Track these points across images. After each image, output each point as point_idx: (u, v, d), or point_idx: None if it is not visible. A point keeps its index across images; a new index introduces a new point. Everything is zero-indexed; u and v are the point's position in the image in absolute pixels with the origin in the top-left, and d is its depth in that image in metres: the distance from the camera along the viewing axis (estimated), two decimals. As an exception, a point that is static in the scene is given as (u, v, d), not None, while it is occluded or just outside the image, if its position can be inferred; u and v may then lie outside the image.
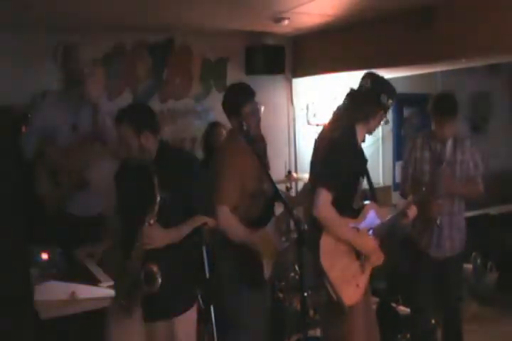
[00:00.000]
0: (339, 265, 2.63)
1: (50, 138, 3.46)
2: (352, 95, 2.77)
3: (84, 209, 3.54)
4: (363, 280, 2.75)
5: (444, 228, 3.42)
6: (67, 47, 3.63)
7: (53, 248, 3.15)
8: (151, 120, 2.57)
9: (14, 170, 2.41)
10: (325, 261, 2.58)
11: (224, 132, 4.12)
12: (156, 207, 2.38)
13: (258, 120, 2.93)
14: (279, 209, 3.02)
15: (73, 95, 3.54)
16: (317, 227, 2.61)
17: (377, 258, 2.78)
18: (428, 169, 3.43)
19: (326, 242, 2.60)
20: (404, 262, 3.71)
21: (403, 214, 2.86)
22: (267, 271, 2.90)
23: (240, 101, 2.86)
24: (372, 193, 2.89)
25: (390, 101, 2.75)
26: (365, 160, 2.83)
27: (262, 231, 2.88)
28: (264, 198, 2.92)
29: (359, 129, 2.75)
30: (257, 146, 2.88)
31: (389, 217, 2.87)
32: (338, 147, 2.67)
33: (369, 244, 2.74)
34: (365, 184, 2.88)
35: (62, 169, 3.44)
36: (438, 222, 3.31)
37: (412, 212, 2.87)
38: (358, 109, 2.72)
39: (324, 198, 2.55)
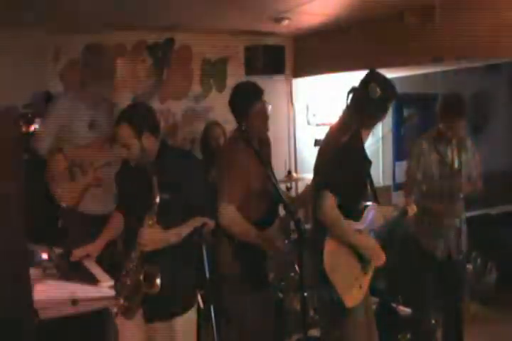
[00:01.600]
0: (342, 267, 2.63)
1: (66, 136, 3.42)
2: (359, 100, 2.72)
3: (98, 207, 3.51)
4: (366, 281, 2.75)
5: (449, 229, 3.42)
6: (91, 45, 3.54)
7: (53, 248, 3.14)
8: (152, 121, 2.55)
9: (17, 170, 2.41)
10: (328, 264, 2.57)
11: (221, 132, 4.13)
12: (156, 208, 2.38)
13: (266, 120, 2.87)
14: (282, 210, 3.01)
15: (93, 93, 3.45)
16: (321, 229, 2.61)
17: (379, 259, 2.77)
18: (438, 172, 3.41)
19: (330, 245, 2.60)
20: (405, 262, 3.71)
21: (404, 212, 2.88)
22: (270, 271, 2.90)
23: (247, 101, 2.81)
24: (374, 194, 2.88)
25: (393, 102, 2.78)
26: (369, 162, 2.82)
27: (267, 231, 2.86)
28: (268, 199, 2.90)
29: (364, 132, 2.75)
30: (261, 147, 2.87)
31: (390, 216, 2.88)
32: (345, 152, 2.66)
33: (371, 245, 2.74)
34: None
35: (79, 167, 3.40)
36: (457, 223, 3.38)
37: (411, 209, 2.90)
38: (366, 116, 2.72)
39: (330, 201, 2.54)
